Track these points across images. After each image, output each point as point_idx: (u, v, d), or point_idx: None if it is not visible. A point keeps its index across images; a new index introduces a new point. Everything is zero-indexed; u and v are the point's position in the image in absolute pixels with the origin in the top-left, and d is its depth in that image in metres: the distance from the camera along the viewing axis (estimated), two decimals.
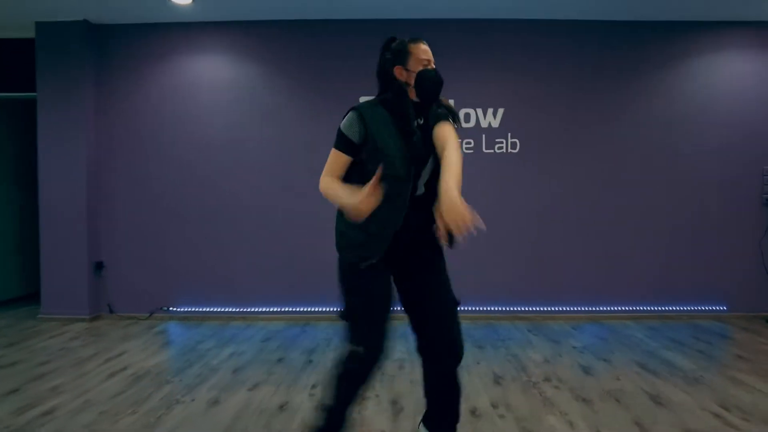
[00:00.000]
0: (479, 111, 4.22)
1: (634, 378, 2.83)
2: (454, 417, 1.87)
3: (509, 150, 4.22)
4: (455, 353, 1.74)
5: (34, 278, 5.06)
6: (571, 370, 2.98)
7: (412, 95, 1.71)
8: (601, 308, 4.24)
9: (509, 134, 4.22)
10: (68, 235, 4.22)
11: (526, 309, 4.24)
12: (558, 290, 4.24)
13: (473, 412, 2.39)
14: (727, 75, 4.25)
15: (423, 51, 1.72)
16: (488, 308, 4.22)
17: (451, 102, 1.85)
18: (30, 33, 4.23)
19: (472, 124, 4.21)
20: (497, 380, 2.81)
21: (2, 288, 4.93)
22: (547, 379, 2.81)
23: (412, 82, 1.69)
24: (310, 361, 3.16)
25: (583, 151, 4.23)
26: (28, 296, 5.12)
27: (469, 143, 4.20)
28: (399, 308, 1.84)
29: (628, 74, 4.24)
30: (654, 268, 4.25)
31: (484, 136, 4.22)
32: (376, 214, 1.58)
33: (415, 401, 2.46)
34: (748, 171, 4.24)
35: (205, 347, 3.49)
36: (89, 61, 4.23)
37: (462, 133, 4.22)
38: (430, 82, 1.69)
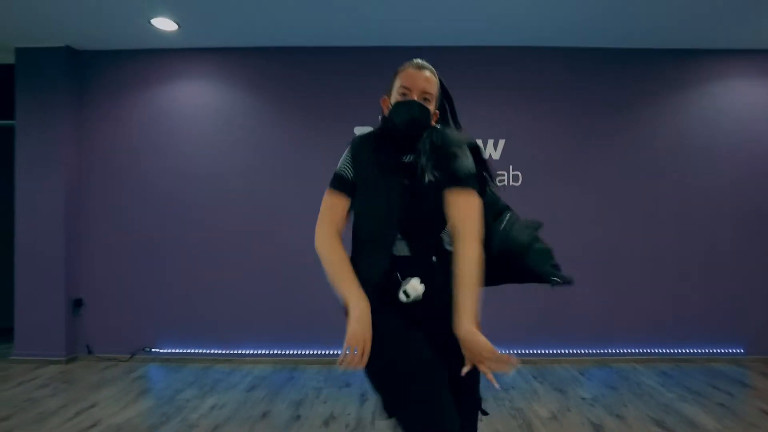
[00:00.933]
0: (479, 142, 4.01)
1: None
2: None
3: (511, 183, 4.01)
4: None
5: (8, 312, 4.80)
6: (581, 430, 2.72)
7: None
8: (609, 350, 3.98)
9: (511, 167, 4.01)
10: (45, 270, 3.98)
11: (530, 351, 3.97)
12: (563, 331, 3.99)
13: None
14: (738, 104, 4.07)
15: (406, 76, 1.42)
16: None
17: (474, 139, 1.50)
18: (9, 58, 4.05)
19: None
20: None
21: None
22: None
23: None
24: (298, 417, 2.90)
25: (589, 185, 4.03)
26: (2, 331, 4.85)
27: None
28: None
29: (634, 102, 4.06)
30: (664, 307, 4.00)
31: None
32: (358, 267, 1.40)
33: None
34: (764, 203, 4.03)
35: (184, 397, 3.22)
36: (70, 87, 4.05)
37: None
38: (397, 118, 1.40)
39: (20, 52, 3.99)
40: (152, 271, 4.06)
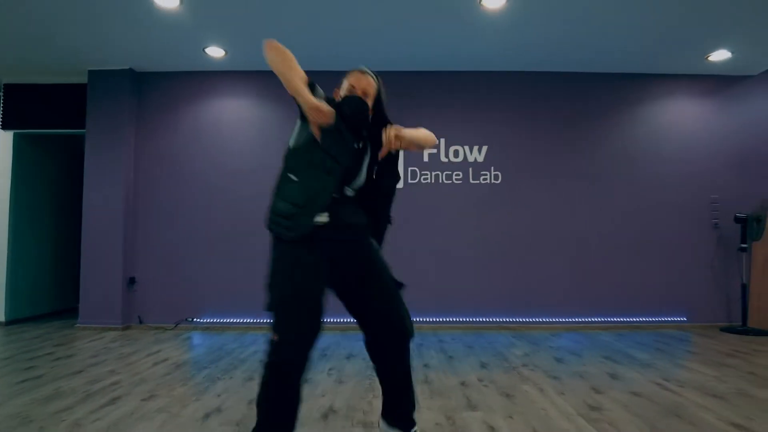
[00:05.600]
0: (466, 148, 4.92)
1: (598, 364, 3.38)
2: (411, 405, 1.91)
3: (492, 181, 4.89)
4: (403, 329, 1.81)
5: (65, 296, 5.59)
6: (546, 360, 3.53)
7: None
8: (577, 319, 4.80)
9: (492, 167, 4.91)
10: (106, 253, 4.77)
11: (510, 320, 4.79)
12: (538, 303, 4.82)
13: (462, 383, 2.93)
14: (676, 119, 5.01)
15: (354, 77, 1.82)
16: (477, 319, 4.77)
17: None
18: (83, 79, 4.93)
19: (460, 159, 4.90)
20: (483, 366, 3.35)
21: (38, 303, 5.43)
22: (525, 365, 3.36)
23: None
24: (325, 354, 3.68)
25: (556, 183, 4.92)
26: (59, 312, 5.61)
27: (459, 175, 4.88)
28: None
29: (594, 117, 4.99)
30: (623, 284, 4.85)
31: (470, 169, 4.90)
32: (305, 186, 1.80)
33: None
34: (699, 199, 4.93)
35: (231, 347, 3.99)
36: (131, 103, 4.92)
37: (452, 167, 4.91)
38: (345, 109, 1.77)
39: (91, 73, 4.88)
40: (194, 253, 4.86)
